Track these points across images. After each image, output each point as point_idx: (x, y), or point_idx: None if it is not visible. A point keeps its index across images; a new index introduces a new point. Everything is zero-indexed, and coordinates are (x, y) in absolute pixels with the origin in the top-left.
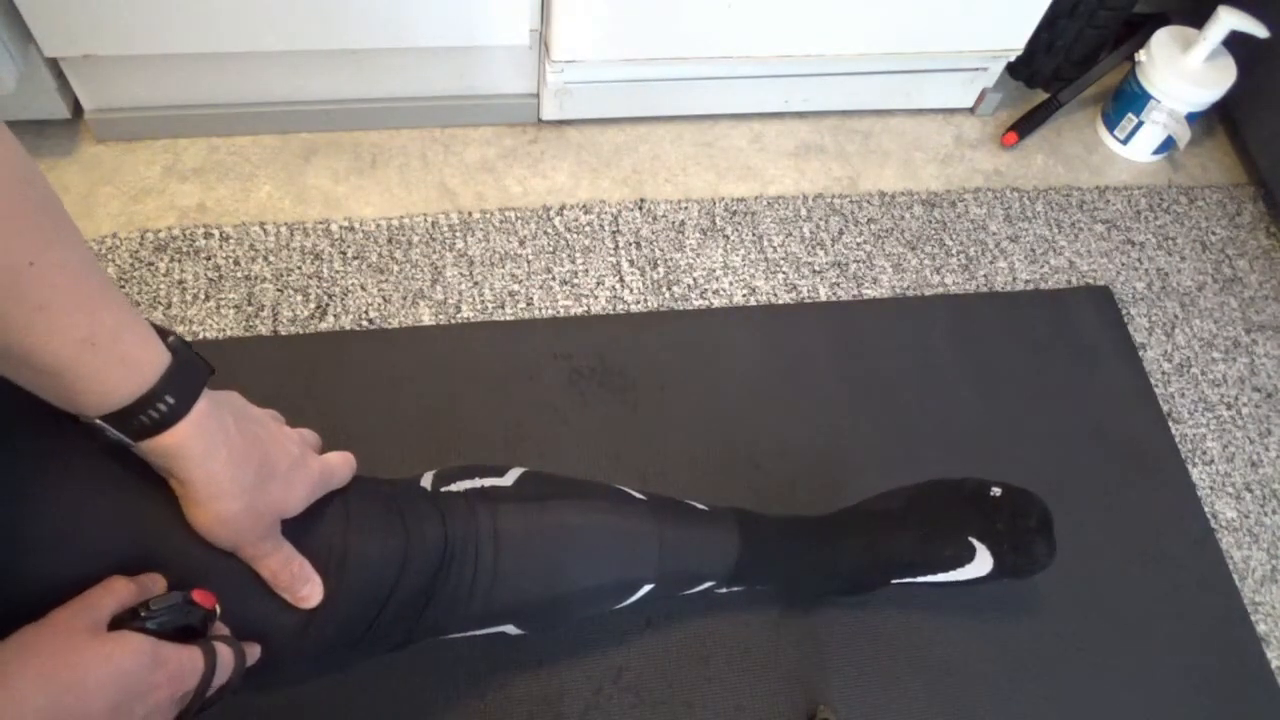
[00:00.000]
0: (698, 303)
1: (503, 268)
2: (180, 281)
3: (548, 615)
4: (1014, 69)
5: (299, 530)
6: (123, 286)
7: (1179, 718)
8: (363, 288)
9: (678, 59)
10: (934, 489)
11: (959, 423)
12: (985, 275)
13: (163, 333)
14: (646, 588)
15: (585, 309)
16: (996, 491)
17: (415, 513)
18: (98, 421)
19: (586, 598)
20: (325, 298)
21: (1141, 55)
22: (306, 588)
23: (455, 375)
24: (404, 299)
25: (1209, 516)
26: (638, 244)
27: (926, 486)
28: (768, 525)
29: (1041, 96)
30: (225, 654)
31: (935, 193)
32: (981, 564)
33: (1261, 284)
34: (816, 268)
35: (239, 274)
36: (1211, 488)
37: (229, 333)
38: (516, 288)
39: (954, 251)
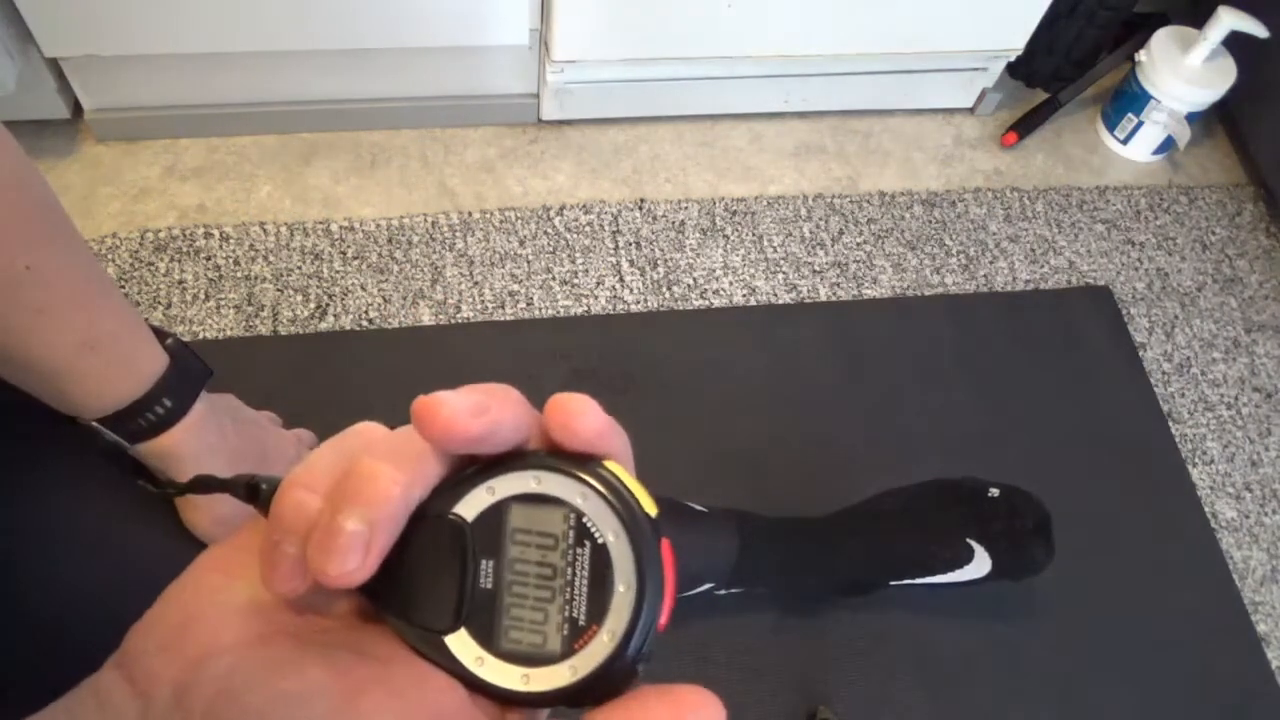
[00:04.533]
0: (698, 303)
1: (503, 268)
2: (180, 281)
3: None
4: (1014, 69)
5: None
6: (123, 286)
7: (1179, 718)
8: (363, 288)
9: (678, 59)
10: (932, 490)
11: (959, 423)
12: (985, 275)
13: (161, 334)
14: None
15: (585, 309)
16: (994, 492)
17: None
18: (95, 424)
19: None
20: (325, 298)
21: (1141, 55)
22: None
23: (455, 375)
24: (404, 299)
25: (1209, 516)
26: (638, 244)
27: (925, 487)
28: (767, 526)
29: (1041, 96)
30: None
31: (935, 193)
32: (980, 565)
33: (1261, 284)
34: (816, 268)
35: (239, 274)
36: (1211, 488)
37: (229, 333)
38: (516, 288)
39: (954, 251)
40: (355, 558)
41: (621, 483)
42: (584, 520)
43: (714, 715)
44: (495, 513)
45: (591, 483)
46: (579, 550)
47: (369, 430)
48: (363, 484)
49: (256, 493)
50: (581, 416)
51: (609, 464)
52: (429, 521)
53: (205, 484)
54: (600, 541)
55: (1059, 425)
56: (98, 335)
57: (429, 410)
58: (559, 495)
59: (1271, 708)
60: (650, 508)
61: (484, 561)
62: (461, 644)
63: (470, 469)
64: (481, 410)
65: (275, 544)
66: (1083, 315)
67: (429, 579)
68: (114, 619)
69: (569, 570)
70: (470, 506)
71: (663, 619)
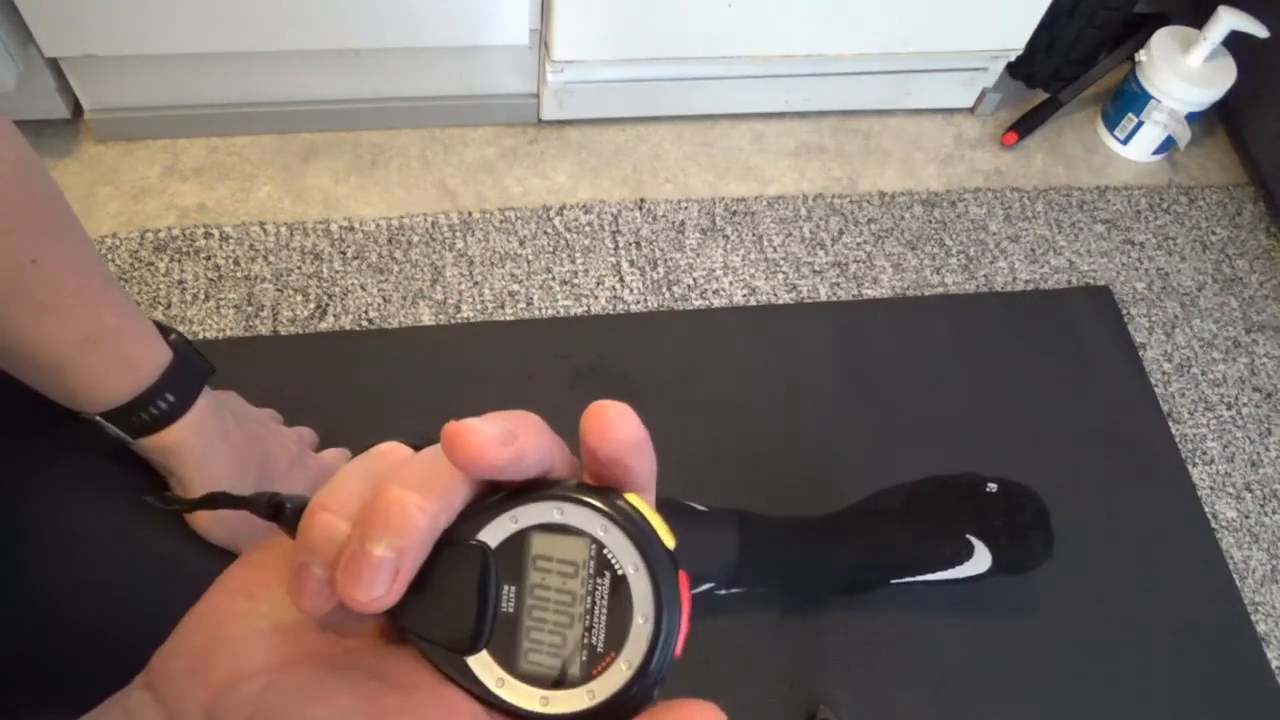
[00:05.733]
0: (698, 303)
1: (503, 268)
2: (180, 281)
3: None
4: (1014, 69)
5: None
6: (122, 286)
7: (1179, 717)
8: (363, 288)
9: (678, 59)
10: (930, 486)
11: (959, 423)
12: (985, 275)
13: (164, 330)
14: None
15: (585, 309)
16: (992, 487)
17: None
18: (98, 418)
19: None
20: (325, 298)
21: (1141, 55)
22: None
23: (455, 375)
24: (404, 299)
25: (1209, 516)
26: (638, 244)
27: (923, 484)
28: (767, 526)
29: (1041, 96)
30: None
31: (935, 193)
32: (980, 561)
33: (1261, 284)
34: (816, 268)
35: (239, 274)
36: (1211, 488)
37: (229, 333)
38: (516, 288)
39: (954, 251)
40: (383, 584)
41: (642, 516)
42: (605, 551)
43: None
44: (518, 540)
45: (613, 515)
46: (599, 580)
47: (394, 452)
48: (391, 511)
49: (280, 510)
50: (620, 424)
51: (629, 497)
52: (454, 547)
53: (219, 500)
54: (620, 573)
55: (1059, 425)
56: (101, 330)
57: (459, 437)
58: (581, 526)
59: (1272, 707)
60: (669, 540)
61: (506, 587)
62: (483, 665)
63: (494, 497)
64: (510, 439)
65: (303, 565)
66: (1083, 315)
67: (453, 602)
68: (120, 612)
69: (589, 599)
70: (494, 534)
71: (678, 649)
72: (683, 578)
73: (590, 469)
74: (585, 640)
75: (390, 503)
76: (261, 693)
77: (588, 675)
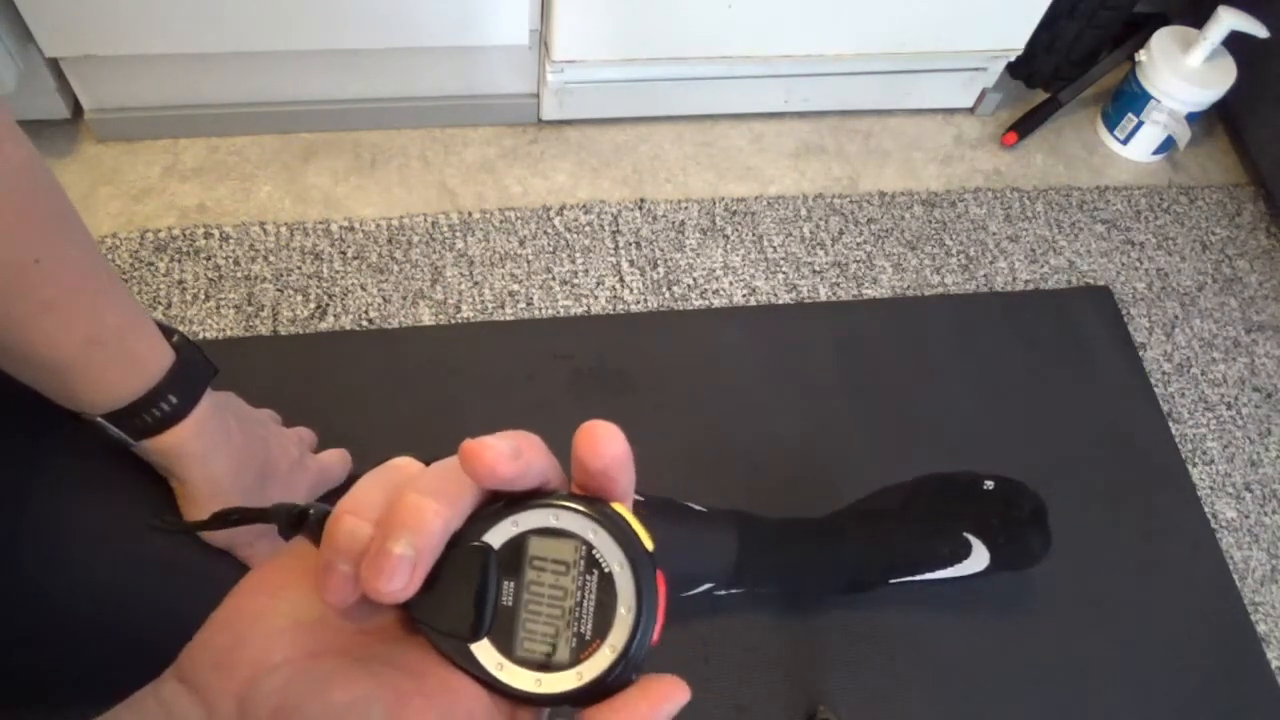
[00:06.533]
0: (698, 303)
1: (503, 268)
2: (180, 281)
3: None
4: (1014, 69)
5: None
6: (126, 286)
7: (1178, 717)
8: (363, 288)
9: (678, 59)
10: (928, 485)
11: (958, 423)
12: (985, 275)
13: (167, 331)
14: None
15: (585, 309)
16: (989, 484)
17: None
18: (99, 419)
19: None
20: (325, 298)
21: (1141, 55)
22: None
23: (455, 375)
24: (404, 299)
25: (1209, 516)
26: (638, 244)
27: (920, 483)
28: (766, 527)
29: (1041, 96)
30: None
31: (935, 193)
32: (978, 559)
33: (1261, 284)
34: (816, 268)
35: (239, 274)
36: (1211, 488)
37: (229, 333)
38: (516, 288)
39: (954, 251)
40: (402, 578)
41: (626, 521)
42: (593, 552)
43: (681, 698)
44: (518, 542)
45: (601, 520)
46: (588, 577)
47: (408, 465)
48: (410, 514)
49: (304, 519)
50: (610, 442)
51: (615, 505)
52: (462, 547)
53: (232, 517)
54: (606, 570)
55: (1059, 425)
56: (104, 330)
57: (476, 452)
58: (573, 530)
59: (1271, 707)
60: (649, 543)
61: (506, 583)
62: (484, 652)
63: (498, 504)
64: (518, 454)
65: (330, 562)
66: (1083, 315)
67: (459, 595)
68: (121, 612)
69: (579, 593)
70: (497, 536)
71: (655, 637)
72: (660, 576)
73: (579, 480)
74: (575, 629)
75: (409, 507)
76: (287, 682)
77: (577, 659)
